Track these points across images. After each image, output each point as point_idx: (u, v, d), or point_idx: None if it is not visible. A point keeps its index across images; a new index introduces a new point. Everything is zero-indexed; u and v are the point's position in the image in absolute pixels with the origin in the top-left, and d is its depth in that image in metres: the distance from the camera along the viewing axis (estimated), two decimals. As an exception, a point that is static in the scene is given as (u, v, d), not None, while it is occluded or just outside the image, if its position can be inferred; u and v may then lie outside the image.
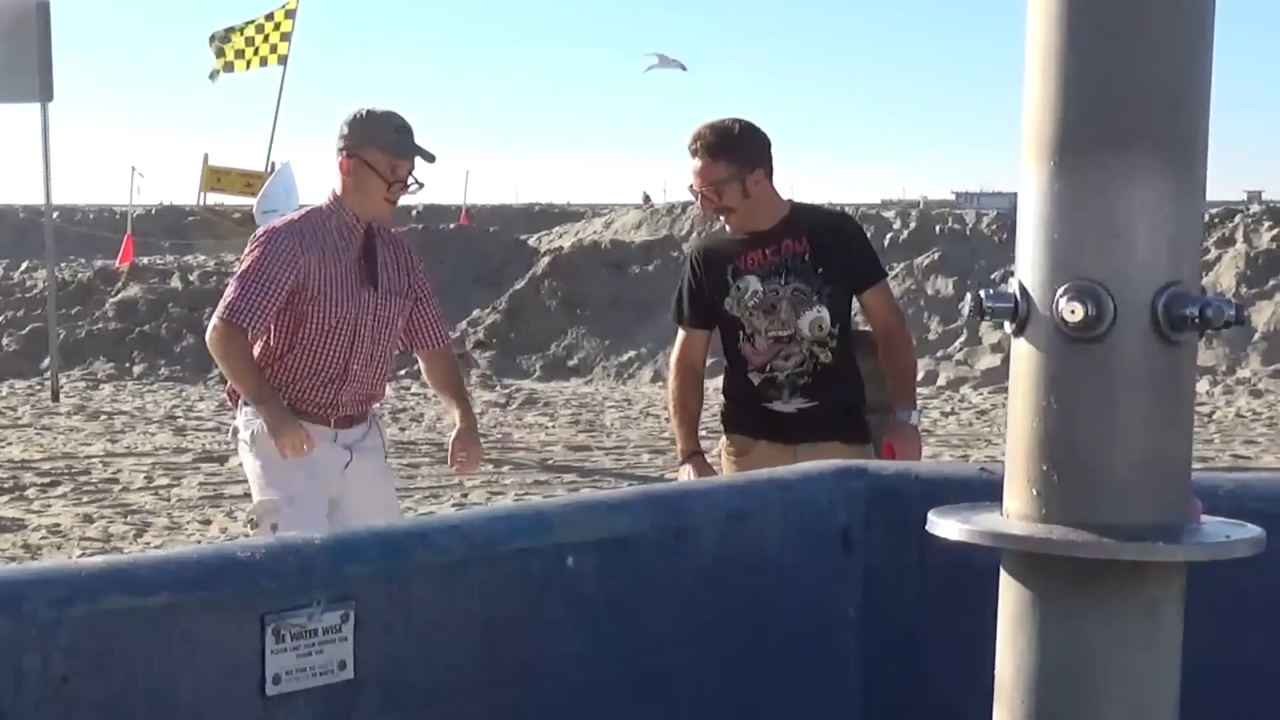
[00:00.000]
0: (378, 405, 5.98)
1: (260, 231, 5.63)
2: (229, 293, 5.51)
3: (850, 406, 5.60)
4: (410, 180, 5.65)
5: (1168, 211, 1.93)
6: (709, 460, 5.82)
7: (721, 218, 5.60)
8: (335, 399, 5.59)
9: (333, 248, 5.53)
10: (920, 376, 12.88)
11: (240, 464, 5.77)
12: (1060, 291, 1.94)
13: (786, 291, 5.46)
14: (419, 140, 5.67)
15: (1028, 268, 1.99)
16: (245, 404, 5.58)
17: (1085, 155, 1.93)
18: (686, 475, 5.70)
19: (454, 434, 5.94)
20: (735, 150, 5.49)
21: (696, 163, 5.51)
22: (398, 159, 5.58)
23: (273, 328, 5.53)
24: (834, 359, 5.49)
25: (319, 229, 5.55)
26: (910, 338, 5.72)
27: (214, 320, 5.52)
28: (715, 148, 5.48)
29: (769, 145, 5.60)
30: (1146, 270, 1.92)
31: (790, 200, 5.70)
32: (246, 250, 5.56)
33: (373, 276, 5.60)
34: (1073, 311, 1.92)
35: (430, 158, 5.69)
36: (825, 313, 5.45)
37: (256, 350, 5.55)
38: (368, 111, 5.65)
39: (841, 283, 5.49)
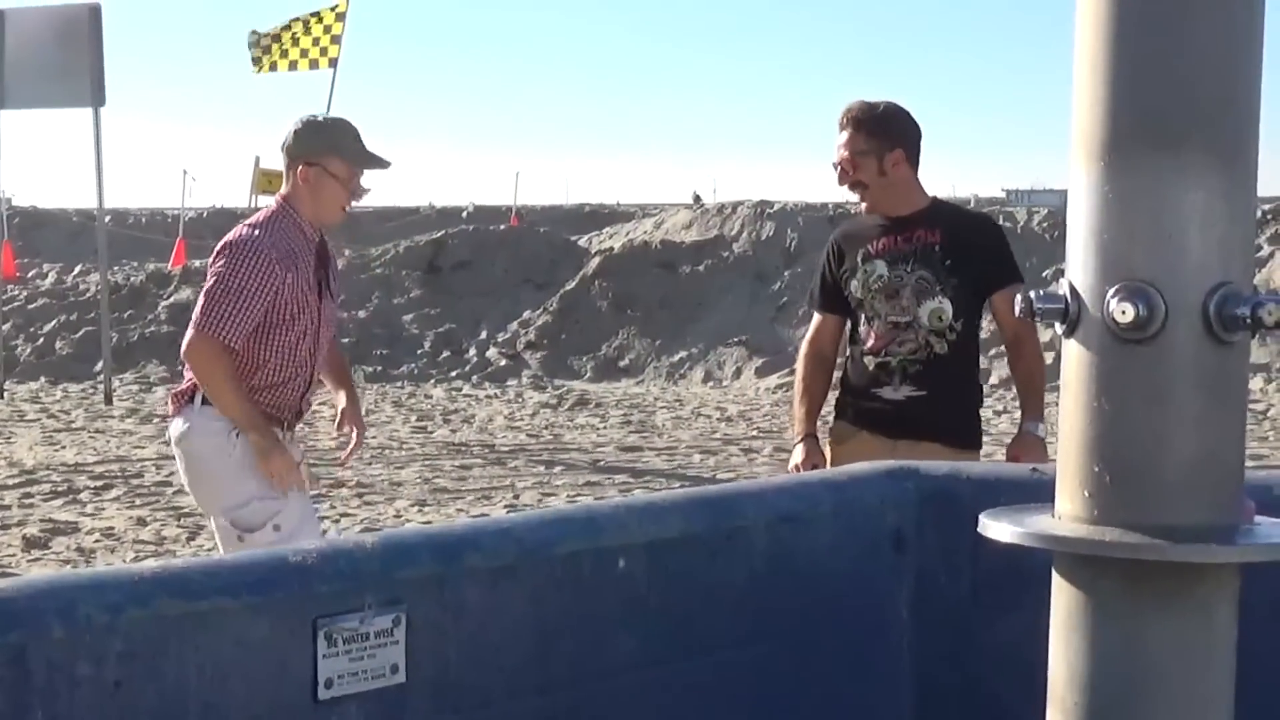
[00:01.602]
0: None
1: (232, 239, 5.48)
2: (206, 304, 5.37)
3: (961, 406, 5.59)
4: (365, 188, 5.67)
5: (1218, 211, 1.92)
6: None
7: (856, 194, 5.60)
8: (302, 401, 5.63)
9: (300, 258, 5.48)
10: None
11: (187, 471, 5.59)
12: (1111, 292, 1.93)
13: (911, 279, 5.47)
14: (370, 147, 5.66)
15: (1078, 268, 1.98)
16: (204, 404, 5.44)
17: (1135, 155, 1.93)
18: (797, 456, 5.72)
19: (341, 413, 5.89)
20: (878, 126, 5.52)
21: (841, 135, 5.55)
22: (359, 168, 5.58)
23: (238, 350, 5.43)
24: (950, 352, 5.47)
25: (285, 239, 5.47)
26: (1040, 347, 5.68)
27: (192, 333, 5.38)
28: (859, 120, 5.52)
29: (918, 134, 5.63)
30: (1198, 270, 1.91)
31: (934, 196, 5.72)
32: (220, 259, 5.41)
33: (326, 284, 5.62)
34: (1124, 312, 1.91)
35: (385, 165, 5.67)
36: (947, 304, 5.44)
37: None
38: (324, 118, 5.68)
39: (970, 279, 5.48)
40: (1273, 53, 1.98)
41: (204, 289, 5.45)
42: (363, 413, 5.98)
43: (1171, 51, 1.91)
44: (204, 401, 5.45)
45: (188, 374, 5.51)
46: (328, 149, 5.51)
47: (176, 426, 5.59)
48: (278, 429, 5.51)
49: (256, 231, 5.46)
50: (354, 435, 5.87)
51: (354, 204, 5.70)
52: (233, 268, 5.37)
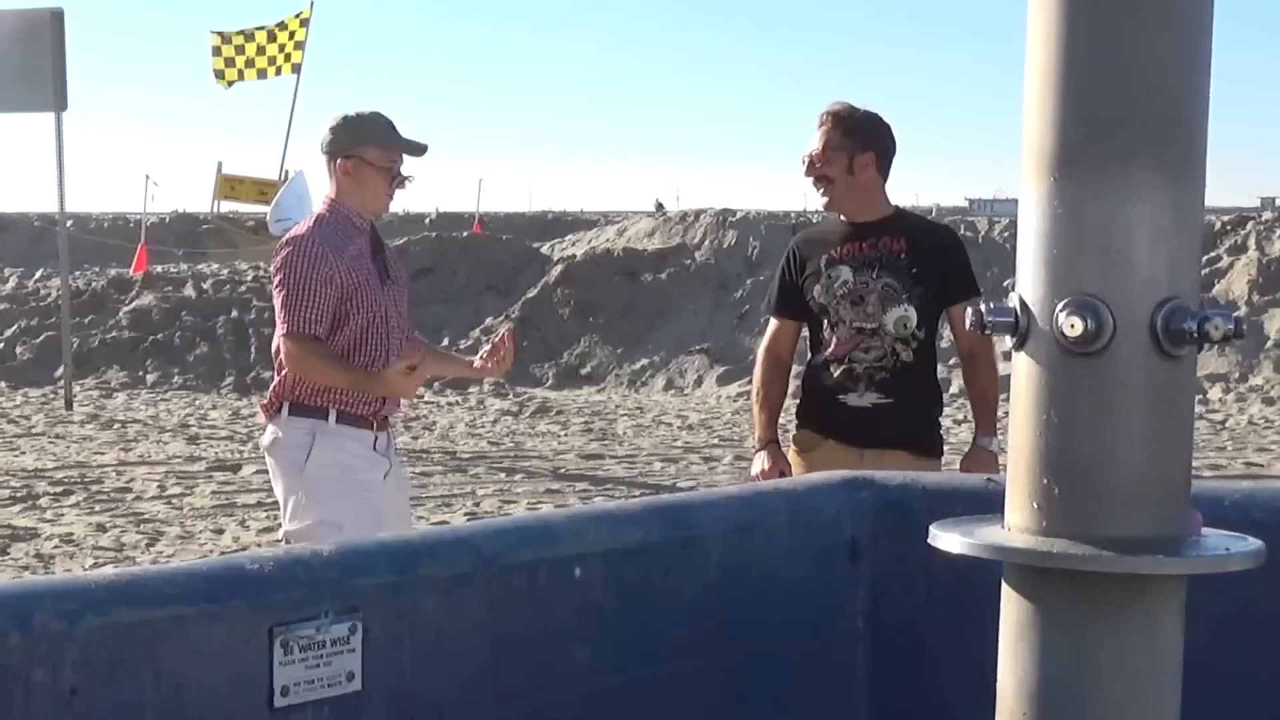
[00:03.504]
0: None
1: (285, 241, 5.62)
2: (281, 310, 5.48)
3: (926, 414, 5.62)
4: (403, 175, 5.73)
5: (1166, 226, 1.95)
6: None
7: (819, 188, 5.62)
8: (381, 399, 5.61)
9: (351, 248, 5.58)
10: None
11: (273, 478, 5.70)
12: (1060, 306, 1.95)
13: (877, 285, 5.48)
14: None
15: (1028, 282, 2.00)
16: (294, 414, 5.53)
17: (1084, 170, 1.95)
18: (760, 463, 5.72)
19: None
20: (855, 126, 5.56)
21: (817, 130, 5.58)
22: (394, 151, 5.67)
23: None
24: (915, 360, 5.50)
25: (334, 232, 5.58)
26: (995, 362, 5.72)
27: (281, 343, 5.48)
28: (837, 116, 5.56)
29: (892, 146, 5.65)
30: (1145, 285, 1.94)
31: (897, 205, 5.74)
32: (278, 262, 5.54)
33: (386, 270, 5.69)
34: (1072, 326, 1.93)
35: (421, 150, 5.77)
36: (912, 312, 5.47)
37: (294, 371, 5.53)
38: (355, 113, 5.72)
39: (933, 289, 5.51)
40: (1225, 69, 2.00)
41: (275, 298, 5.56)
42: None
43: (1121, 68, 1.94)
44: (290, 412, 5.53)
45: (275, 382, 5.61)
46: (362, 139, 5.62)
47: (267, 434, 5.71)
48: (366, 430, 5.56)
49: (305, 230, 5.60)
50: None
51: (401, 190, 5.79)
52: (290, 266, 5.48)
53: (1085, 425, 1.96)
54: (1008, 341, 2.02)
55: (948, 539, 2.09)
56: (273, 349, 5.68)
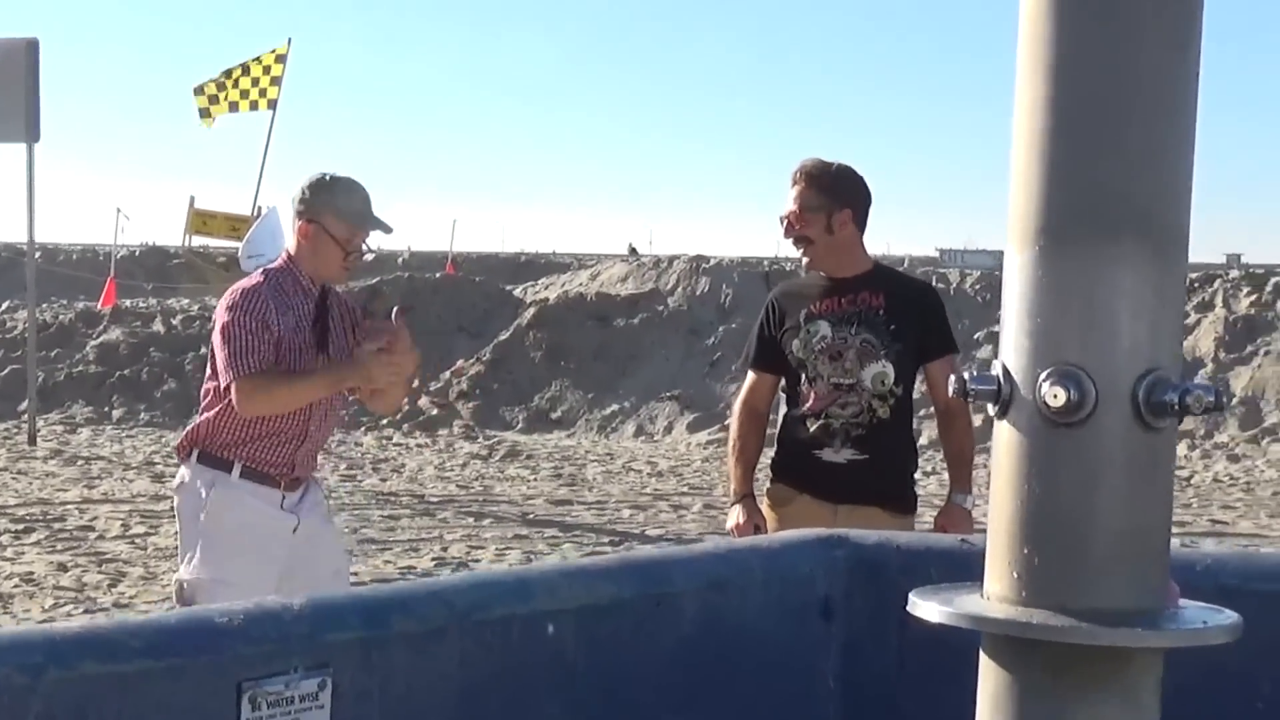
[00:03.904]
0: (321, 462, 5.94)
1: (232, 290, 5.59)
2: (223, 356, 5.41)
3: (901, 471, 5.62)
4: (365, 248, 5.70)
5: (1149, 298, 1.95)
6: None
7: (799, 249, 5.61)
8: (292, 458, 5.56)
9: (294, 309, 5.53)
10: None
11: (177, 520, 5.65)
12: (1043, 375, 1.94)
13: (855, 341, 5.48)
14: (377, 210, 5.70)
15: (1011, 351, 2.00)
16: (200, 462, 5.51)
17: (1069, 241, 1.95)
18: (735, 516, 5.69)
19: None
20: (830, 184, 5.55)
21: (792, 189, 5.57)
22: (356, 229, 5.61)
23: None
24: (892, 416, 5.49)
25: (281, 290, 5.54)
26: (971, 419, 5.73)
27: (230, 386, 5.39)
28: (812, 175, 5.55)
29: (868, 199, 5.65)
30: (1128, 356, 1.94)
31: (877, 259, 5.74)
32: (223, 310, 5.49)
33: (323, 342, 5.61)
34: (1055, 396, 1.93)
35: (387, 230, 5.73)
36: (890, 369, 5.46)
37: (218, 407, 5.48)
38: (331, 177, 5.66)
39: (911, 346, 5.51)
40: (1202, 119, 2.00)
41: (215, 348, 5.49)
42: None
43: (1108, 140, 1.94)
44: (198, 459, 5.51)
45: (191, 425, 5.59)
46: (326, 207, 5.55)
47: (177, 475, 5.68)
48: (272, 488, 5.51)
49: (254, 281, 5.55)
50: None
51: (359, 263, 5.78)
52: (232, 315, 5.43)
53: (1066, 495, 1.96)
54: (990, 409, 2.01)
55: (927, 608, 2.07)
56: (202, 390, 5.63)
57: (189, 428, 5.61)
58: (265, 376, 5.39)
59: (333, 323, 5.68)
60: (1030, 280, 1.97)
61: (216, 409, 5.51)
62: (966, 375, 2.04)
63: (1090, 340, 1.94)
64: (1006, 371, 2.00)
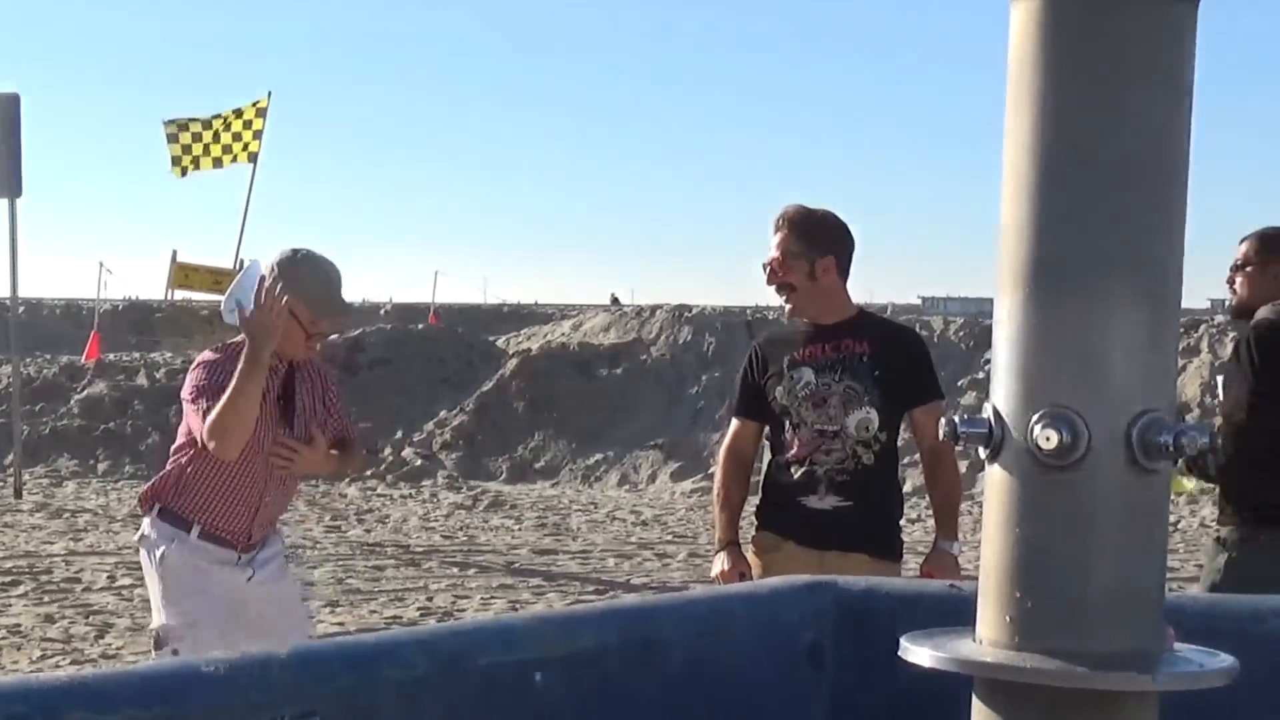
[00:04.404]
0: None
1: (199, 362, 5.71)
2: (194, 421, 5.54)
3: (887, 517, 5.61)
4: (330, 332, 5.87)
5: (1142, 340, 1.94)
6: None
7: (782, 295, 5.60)
8: (248, 526, 5.67)
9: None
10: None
11: (145, 572, 5.82)
12: (1035, 418, 1.94)
13: (839, 388, 5.46)
14: (343, 293, 5.81)
15: (1002, 393, 1.99)
16: (161, 518, 5.65)
17: (1060, 283, 1.94)
18: (720, 564, 5.68)
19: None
20: (813, 230, 5.55)
21: (775, 236, 5.56)
22: (320, 315, 5.70)
23: (192, 451, 5.62)
24: (876, 463, 5.48)
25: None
26: (957, 464, 5.73)
27: (206, 444, 5.49)
28: (794, 222, 5.55)
29: (851, 246, 5.65)
30: (1121, 398, 1.93)
31: (860, 306, 5.74)
32: (190, 379, 5.63)
33: (288, 415, 5.70)
34: (1047, 439, 1.92)
35: (346, 318, 6.00)
36: (874, 415, 5.45)
37: (180, 467, 5.63)
38: (302, 256, 5.73)
39: (895, 391, 5.50)
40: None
41: (185, 407, 5.63)
42: (323, 453, 5.84)
43: (1099, 181, 1.94)
44: (159, 515, 5.65)
45: (156, 478, 5.75)
46: (292, 291, 5.58)
47: (141, 526, 5.81)
48: (230, 549, 5.63)
49: (219, 355, 5.64)
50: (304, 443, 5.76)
51: (322, 342, 5.92)
52: (201, 382, 5.55)
53: (1059, 538, 1.95)
54: (981, 453, 2.00)
55: (919, 653, 2.06)
56: (173, 448, 5.76)
57: (153, 481, 5.75)
58: (213, 414, 5.43)
59: (301, 395, 5.76)
60: (1021, 322, 1.96)
61: (177, 469, 5.66)
62: (957, 419, 2.03)
63: (1082, 382, 1.93)
64: (998, 414, 1.99)
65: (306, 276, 5.67)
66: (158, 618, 5.65)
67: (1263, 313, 5.95)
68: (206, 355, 5.72)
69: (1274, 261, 6.04)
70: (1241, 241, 6.17)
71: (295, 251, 5.74)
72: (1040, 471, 1.94)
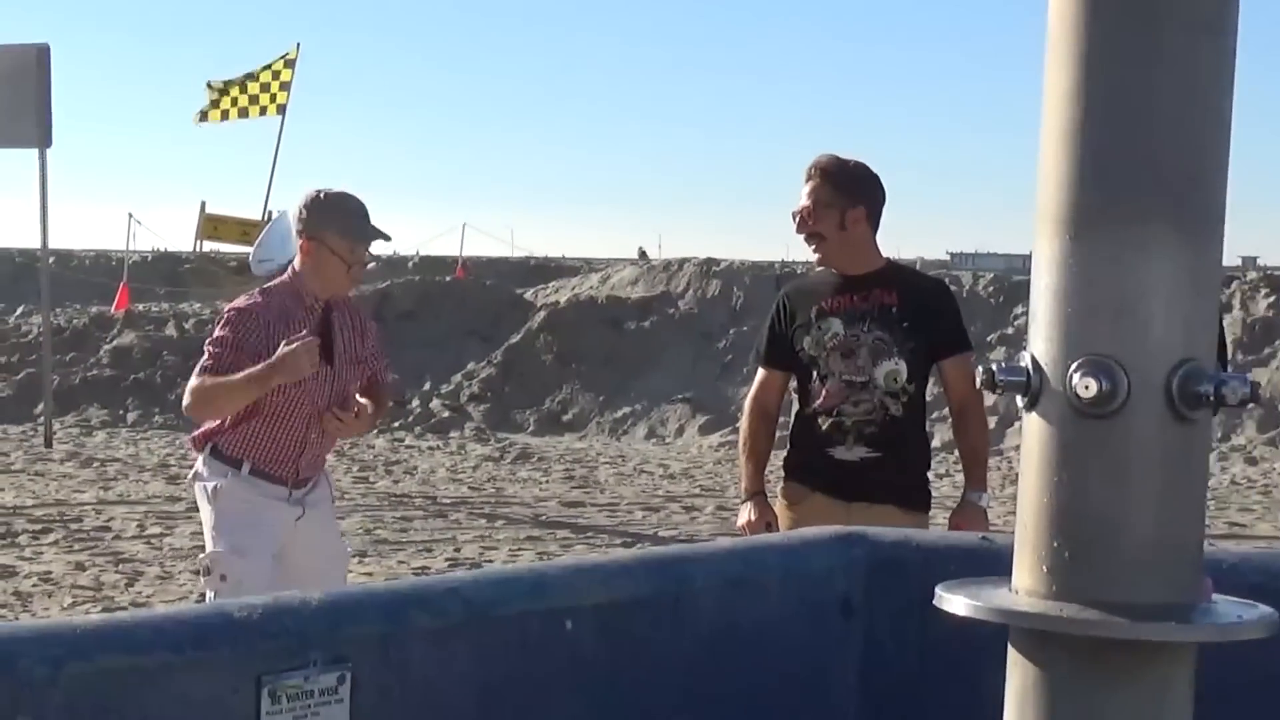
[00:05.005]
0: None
1: (228, 308, 5.80)
2: (204, 360, 5.66)
3: (915, 468, 5.59)
4: (368, 259, 5.90)
5: (1183, 287, 1.92)
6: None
7: (811, 244, 5.59)
8: (295, 464, 5.76)
9: (295, 324, 5.67)
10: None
11: (199, 507, 5.93)
12: (1074, 366, 1.92)
13: (868, 339, 5.44)
14: (375, 219, 5.85)
15: (1040, 342, 1.97)
16: (213, 456, 5.75)
17: (1100, 229, 1.92)
18: (747, 514, 5.66)
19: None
20: (845, 181, 5.52)
21: (806, 185, 5.54)
22: (356, 242, 5.76)
23: None
24: (904, 414, 5.45)
25: (282, 307, 5.71)
26: (986, 417, 5.70)
27: (191, 383, 5.66)
28: (827, 172, 5.53)
29: (882, 197, 5.62)
30: (1161, 346, 1.91)
31: (888, 257, 5.71)
32: (220, 322, 5.74)
33: (329, 354, 5.75)
34: (1086, 387, 1.90)
35: (386, 238, 5.92)
36: (903, 366, 5.42)
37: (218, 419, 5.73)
38: (325, 194, 5.82)
39: (924, 343, 5.47)
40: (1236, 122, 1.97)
41: (207, 349, 5.73)
42: (372, 419, 6.09)
43: (1138, 127, 1.91)
44: (211, 454, 5.77)
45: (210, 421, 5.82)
46: (324, 224, 5.71)
47: (195, 464, 5.94)
48: (281, 486, 5.73)
49: (256, 297, 5.75)
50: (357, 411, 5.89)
51: (363, 273, 5.99)
52: (231, 327, 5.66)
53: (1097, 488, 1.93)
54: (1019, 401, 1.99)
55: (954, 601, 2.05)
56: None
57: (204, 426, 5.82)
58: (205, 388, 5.61)
59: (338, 335, 5.83)
60: (1060, 270, 1.94)
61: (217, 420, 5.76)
62: (994, 367, 2.02)
63: (1122, 330, 1.91)
64: (1036, 362, 1.97)
65: (334, 210, 5.76)
66: (209, 547, 5.74)
67: None
68: (239, 303, 5.79)
69: None
70: None
71: (318, 192, 5.82)
72: (1079, 421, 1.92)
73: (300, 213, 5.77)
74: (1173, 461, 1.93)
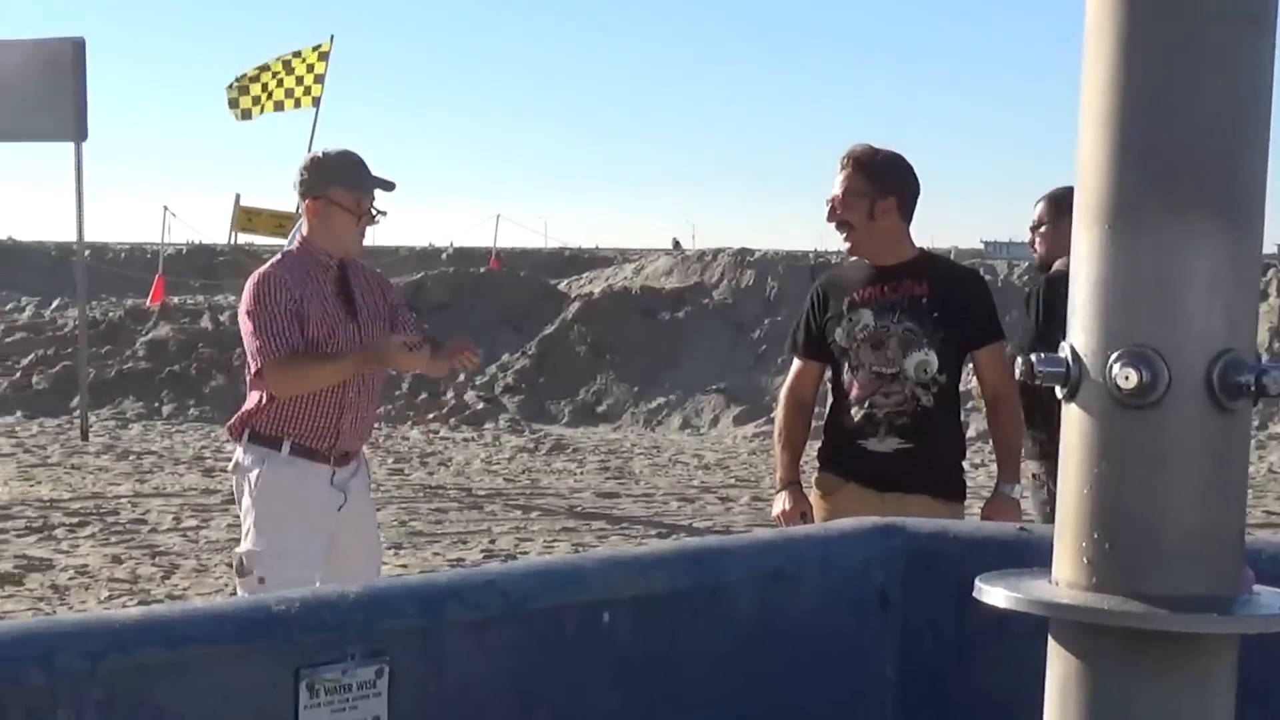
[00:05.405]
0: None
1: (252, 278, 5.77)
2: (252, 343, 5.62)
3: (948, 458, 5.58)
4: (375, 211, 5.86)
5: (1224, 276, 1.90)
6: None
7: (841, 233, 5.58)
8: (336, 427, 5.71)
9: (315, 285, 5.70)
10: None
11: (236, 499, 5.91)
12: (1114, 357, 1.90)
13: (898, 330, 5.44)
14: (377, 172, 5.89)
15: (1080, 332, 1.96)
16: (252, 441, 5.71)
17: (1140, 219, 1.91)
18: (781, 503, 5.69)
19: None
20: (876, 171, 5.53)
21: (839, 174, 5.55)
22: (362, 193, 5.79)
23: None
24: (936, 405, 5.45)
25: (299, 269, 5.72)
26: (1019, 407, 5.69)
27: (260, 372, 5.60)
28: (859, 161, 5.54)
29: (915, 188, 5.62)
30: (1202, 337, 1.89)
31: (921, 248, 5.70)
32: (246, 297, 5.70)
33: (352, 310, 5.77)
34: (1126, 378, 1.89)
35: (390, 186, 5.92)
36: (933, 357, 5.42)
37: (259, 389, 5.69)
38: (324, 153, 5.90)
39: (955, 333, 5.47)
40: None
41: (243, 333, 5.71)
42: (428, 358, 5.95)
43: (1178, 115, 1.90)
44: (249, 439, 5.72)
45: (242, 408, 5.79)
46: (328, 181, 5.74)
47: (234, 456, 5.90)
48: (322, 464, 5.69)
49: (271, 267, 5.75)
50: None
51: (372, 226, 5.95)
52: (258, 299, 5.62)
53: (1137, 479, 1.92)
54: (1059, 392, 1.97)
55: (994, 593, 2.04)
56: (247, 376, 5.81)
57: (241, 410, 5.80)
58: (296, 358, 5.57)
59: (357, 290, 5.84)
60: (1100, 260, 1.93)
61: (258, 391, 5.70)
62: (1034, 358, 2.00)
63: (1162, 320, 1.89)
64: (1075, 353, 1.96)
65: (336, 166, 5.80)
66: (245, 544, 5.69)
67: (1057, 266, 6.27)
68: (264, 269, 5.78)
69: (1066, 220, 6.05)
70: (1036, 203, 6.64)
71: (316, 154, 5.92)
72: (1119, 411, 1.91)
73: (301, 175, 5.79)
74: (1213, 452, 1.92)
